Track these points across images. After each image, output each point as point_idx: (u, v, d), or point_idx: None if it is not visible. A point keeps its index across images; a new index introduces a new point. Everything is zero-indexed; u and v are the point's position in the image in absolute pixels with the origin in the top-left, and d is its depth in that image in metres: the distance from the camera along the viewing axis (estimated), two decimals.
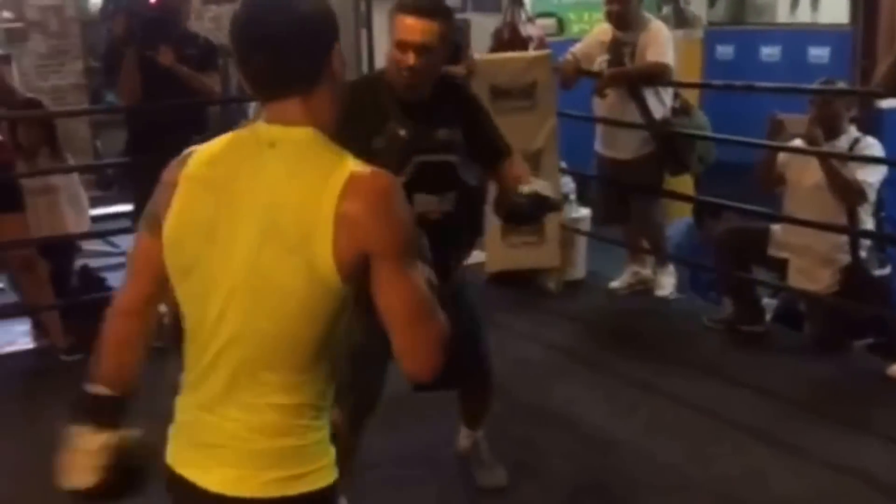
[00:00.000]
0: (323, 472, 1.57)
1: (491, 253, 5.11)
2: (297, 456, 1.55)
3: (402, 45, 2.60)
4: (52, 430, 3.51)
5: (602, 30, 5.08)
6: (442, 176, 2.70)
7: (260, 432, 1.54)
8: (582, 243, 5.47)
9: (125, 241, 5.73)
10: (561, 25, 7.39)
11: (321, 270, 1.46)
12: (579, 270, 5.47)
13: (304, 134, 1.53)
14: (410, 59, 2.59)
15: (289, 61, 1.51)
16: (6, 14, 7.76)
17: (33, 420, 3.93)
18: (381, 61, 5.48)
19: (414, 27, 2.58)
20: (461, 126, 2.75)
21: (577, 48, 5.12)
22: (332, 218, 1.45)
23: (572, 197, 5.44)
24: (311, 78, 1.53)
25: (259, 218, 1.49)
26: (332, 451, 1.61)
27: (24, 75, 7.91)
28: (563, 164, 5.30)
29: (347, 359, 1.69)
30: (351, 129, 2.49)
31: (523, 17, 5.40)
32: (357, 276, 1.49)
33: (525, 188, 2.72)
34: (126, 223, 5.13)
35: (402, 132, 2.66)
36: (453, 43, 5.05)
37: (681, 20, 7.31)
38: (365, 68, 5.96)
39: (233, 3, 6.03)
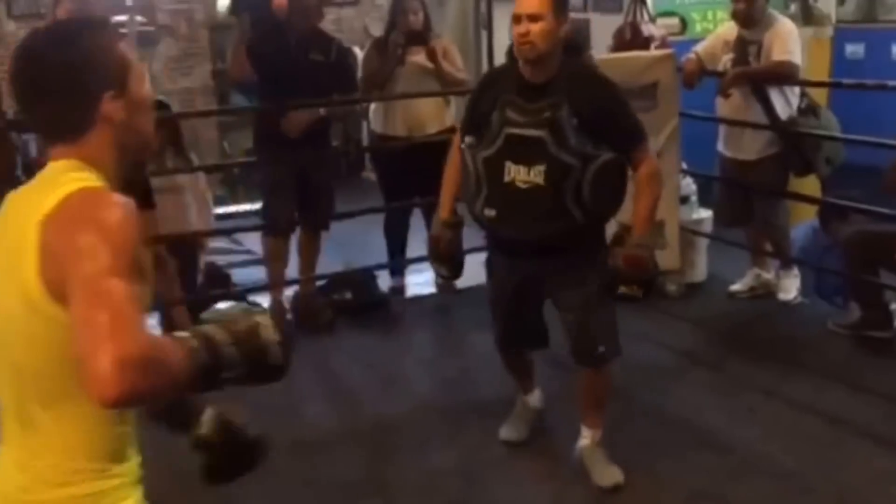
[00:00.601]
0: None
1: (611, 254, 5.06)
2: None
3: (516, 19, 3.01)
4: None
5: (727, 28, 4.99)
6: (532, 149, 2.98)
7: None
8: (703, 245, 5.38)
9: (249, 239, 5.91)
10: (684, 24, 7.25)
11: (32, 295, 1.41)
12: (700, 273, 5.38)
13: (59, 164, 1.51)
14: (523, 27, 2.97)
15: (53, 111, 1.52)
16: (139, 19, 8.07)
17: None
18: (500, 61, 5.53)
19: (524, 1, 3.00)
20: (581, 109, 2.99)
21: (700, 47, 5.04)
22: (37, 240, 1.40)
23: (693, 198, 5.35)
24: (80, 126, 1.52)
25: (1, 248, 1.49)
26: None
27: (155, 78, 8.21)
28: (685, 165, 5.23)
29: None
30: (473, 111, 3.16)
31: (645, 16, 5.33)
32: None
33: (633, 250, 3.04)
34: (251, 221, 5.30)
35: (508, 108, 3.02)
36: (574, 42, 5.09)
37: (809, 18, 7.09)
38: (485, 68, 5.99)
39: (354, 5, 6.18)
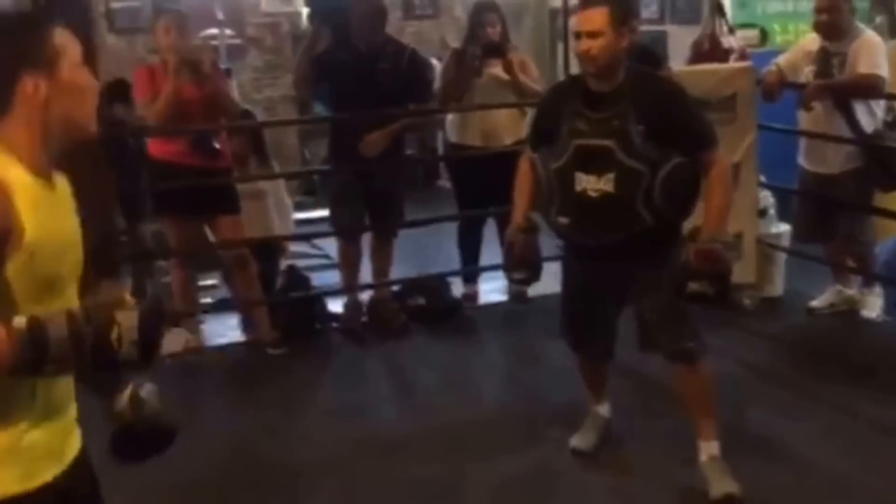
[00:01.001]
0: None
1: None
2: None
3: (576, 36, 3.07)
4: (256, 417, 3.76)
5: (809, 40, 4.92)
6: (600, 158, 3.03)
7: None
8: (780, 260, 5.30)
9: (328, 244, 6.02)
10: (764, 36, 7.18)
11: None
12: (777, 288, 5.30)
13: None
14: (583, 44, 3.02)
15: None
16: (228, 31, 8.30)
17: (239, 408, 4.21)
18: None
19: (582, 18, 3.06)
20: (647, 115, 3.01)
21: (781, 59, 4.98)
22: None
23: (772, 212, 5.28)
24: None
25: None
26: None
27: (241, 87, 8.42)
28: (763, 178, 5.16)
29: None
30: (542, 122, 3.25)
31: (724, 28, 5.29)
32: None
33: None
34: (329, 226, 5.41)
35: (577, 119, 3.07)
36: (652, 53, 5.08)
37: (895, 30, 6.95)
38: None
39: (433, 18, 6.25)
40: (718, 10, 5.36)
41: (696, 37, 5.41)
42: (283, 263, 5.42)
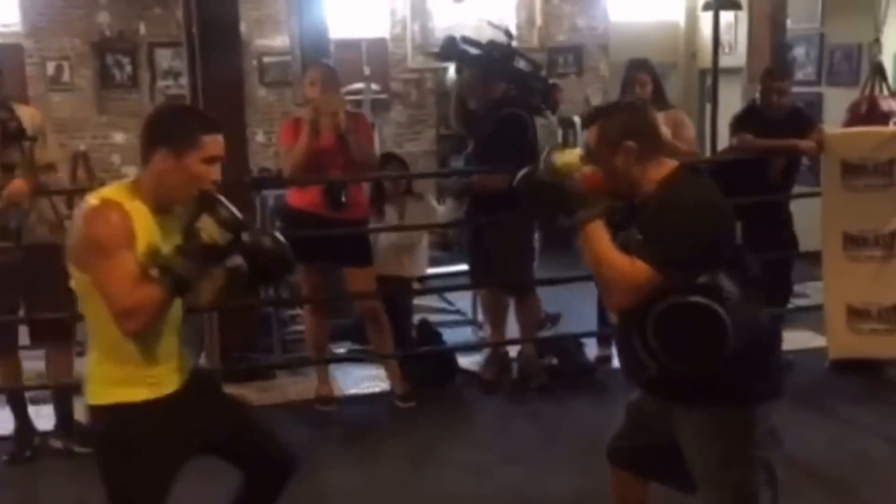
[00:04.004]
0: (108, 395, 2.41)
1: (834, 338, 4.78)
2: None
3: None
4: (387, 468, 3.71)
5: None
6: None
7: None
8: None
9: (461, 299, 6.01)
10: None
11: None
12: None
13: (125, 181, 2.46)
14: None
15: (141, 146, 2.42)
16: (374, 87, 8.50)
17: (367, 459, 4.18)
18: (724, 134, 5.41)
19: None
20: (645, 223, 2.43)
21: None
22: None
23: None
24: (143, 159, 2.39)
25: None
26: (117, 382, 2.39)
27: (384, 141, 8.59)
28: None
29: None
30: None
31: (885, 91, 5.06)
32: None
33: None
34: (462, 281, 5.41)
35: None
36: (797, 110, 4.90)
37: None
38: (708, 140, 5.88)
39: (578, 76, 6.24)
40: (879, 71, 5.15)
41: (855, 99, 5.20)
42: (416, 318, 5.43)
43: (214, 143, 2.34)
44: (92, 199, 2.32)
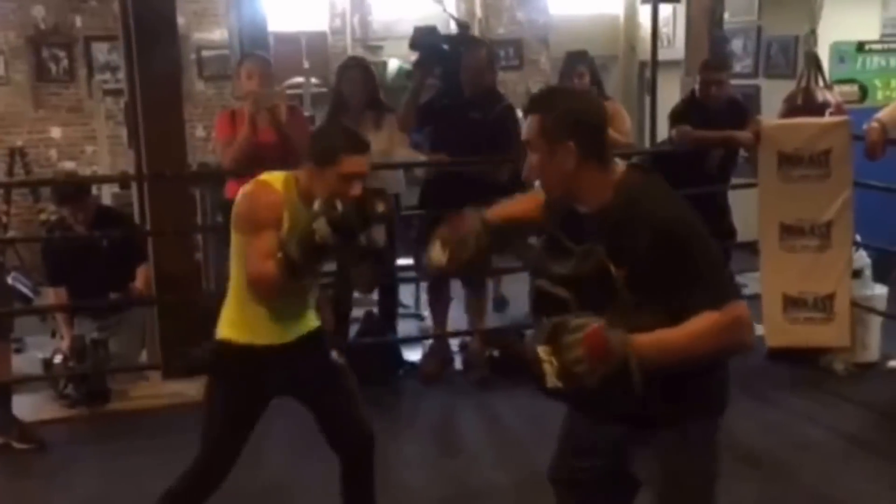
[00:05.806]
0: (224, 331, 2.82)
1: (771, 326, 4.85)
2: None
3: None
4: (327, 463, 3.64)
5: None
6: (556, 310, 2.14)
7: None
8: (876, 323, 5.06)
9: (405, 293, 5.97)
10: (864, 93, 6.97)
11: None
12: (871, 353, 5.05)
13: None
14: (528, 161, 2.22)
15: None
16: (314, 80, 8.44)
17: (307, 454, 4.14)
18: (663, 126, 5.46)
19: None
20: (624, 257, 2.07)
21: (883, 114, 4.74)
22: None
23: (867, 273, 5.06)
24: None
25: None
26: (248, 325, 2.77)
27: None
28: (858, 238, 4.96)
29: None
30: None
31: (820, 82, 5.14)
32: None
33: None
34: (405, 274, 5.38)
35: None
36: (734, 101, 4.96)
37: None
38: (648, 132, 5.92)
39: (518, 70, 6.26)
40: (815, 63, 5.21)
41: (791, 90, 5.27)
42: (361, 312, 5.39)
43: (353, 162, 2.61)
44: (257, 179, 2.71)
